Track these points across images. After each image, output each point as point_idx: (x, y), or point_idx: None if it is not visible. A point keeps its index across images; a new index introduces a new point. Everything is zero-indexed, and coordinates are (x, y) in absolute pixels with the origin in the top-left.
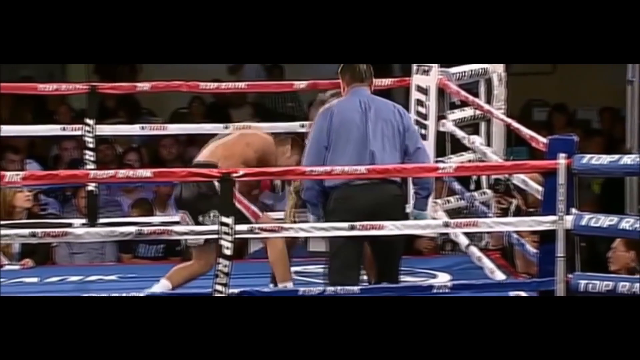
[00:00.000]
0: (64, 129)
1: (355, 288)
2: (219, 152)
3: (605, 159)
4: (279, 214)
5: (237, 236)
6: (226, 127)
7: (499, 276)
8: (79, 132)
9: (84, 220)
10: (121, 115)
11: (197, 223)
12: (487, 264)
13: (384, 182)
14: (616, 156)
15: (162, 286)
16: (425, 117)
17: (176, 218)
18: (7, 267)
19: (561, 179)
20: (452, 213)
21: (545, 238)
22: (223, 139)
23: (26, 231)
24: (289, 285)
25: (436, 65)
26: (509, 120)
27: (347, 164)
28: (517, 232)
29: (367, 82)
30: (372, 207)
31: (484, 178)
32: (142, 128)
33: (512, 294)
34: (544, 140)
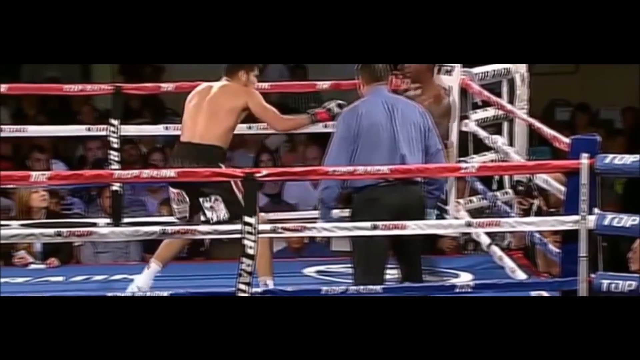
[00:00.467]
0: (89, 129)
1: (378, 287)
2: (215, 132)
3: (628, 159)
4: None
5: (260, 236)
6: (249, 128)
7: (520, 275)
8: (104, 133)
9: (108, 220)
10: (146, 116)
11: (196, 204)
12: (508, 263)
13: (409, 183)
14: (639, 156)
15: (152, 270)
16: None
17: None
18: (32, 266)
19: (584, 178)
20: (475, 213)
21: (568, 238)
22: (207, 107)
23: (52, 230)
24: (269, 281)
25: (459, 65)
26: (532, 120)
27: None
28: (539, 232)
29: (385, 81)
30: (400, 208)
31: (506, 178)
32: (166, 128)
33: (534, 293)
34: (566, 140)
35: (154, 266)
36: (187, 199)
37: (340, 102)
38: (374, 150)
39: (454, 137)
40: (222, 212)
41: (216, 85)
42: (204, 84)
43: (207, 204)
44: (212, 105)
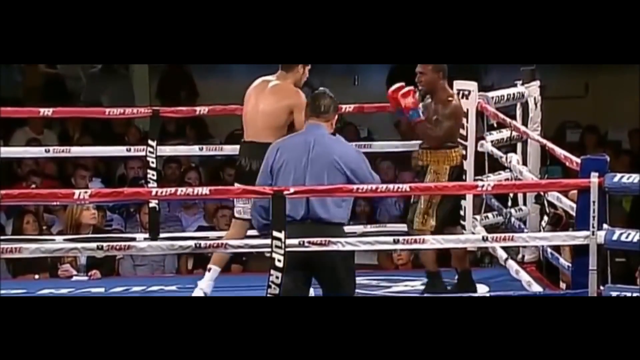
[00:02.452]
0: (129, 150)
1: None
2: (271, 131)
3: (635, 178)
4: None
5: (287, 249)
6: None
7: (536, 288)
8: (142, 153)
9: (146, 235)
10: (190, 136)
11: None
12: (524, 277)
13: (323, 223)
14: None
15: (213, 272)
16: (464, 138)
17: None
18: (76, 278)
19: (593, 196)
20: (490, 228)
21: (579, 252)
22: (262, 106)
23: (93, 244)
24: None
25: (475, 89)
26: (544, 141)
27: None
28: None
29: (326, 118)
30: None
31: (520, 195)
32: (201, 149)
33: None
34: (577, 160)
35: (214, 269)
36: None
37: None
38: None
39: (470, 158)
40: None
41: (271, 82)
42: (260, 80)
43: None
44: (267, 105)
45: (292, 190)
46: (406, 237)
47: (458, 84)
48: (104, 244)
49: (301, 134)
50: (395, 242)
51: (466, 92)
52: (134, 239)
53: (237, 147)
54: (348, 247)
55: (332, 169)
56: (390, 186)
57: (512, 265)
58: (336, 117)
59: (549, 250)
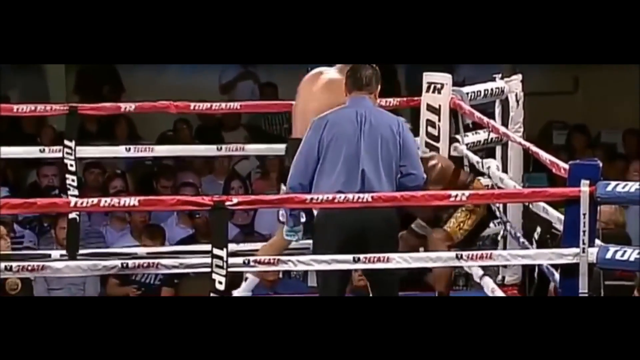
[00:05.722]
0: (42, 150)
1: None
2: None
3: (632, 187)
4: None
5: (230, 269)
6: (219, 149)
7: None
8: (59, 154)
9: (63, 252)
10: (115, 137)
11: None
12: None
13: None
14: None
15: (250, 282)
16: (436, 139)
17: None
18: None
19: (584, 208)
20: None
21: (567, 272)
22: (314, 104)
23: (0, 264)
24: None
25: (449, 83)
26: (527, 144)
27: (335, 182)
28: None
29: (369, 90)
30: (360, 228)
31: (500, 207)
32: (128, 150)
33: None
34: (564, 165)
35: (251, 278)
36: None
37: None
38: (334, 164)
39: None
40: None
41: (325, 75)
42: (316, 71)
43: None
44: (319, 103)
45: (235, 200)
46: (367, 255)
47: (428, 77)
48: (14, 264)
49: (349, 107)
50: (356, 260)
51: (438, 86)
52: (48, 257)
53: (171, 147)
54: (300, 267)
55: (386, 139)
56: (350, 196)
57: (488, 283)
58: (379, 89)
59: (544, 264)
